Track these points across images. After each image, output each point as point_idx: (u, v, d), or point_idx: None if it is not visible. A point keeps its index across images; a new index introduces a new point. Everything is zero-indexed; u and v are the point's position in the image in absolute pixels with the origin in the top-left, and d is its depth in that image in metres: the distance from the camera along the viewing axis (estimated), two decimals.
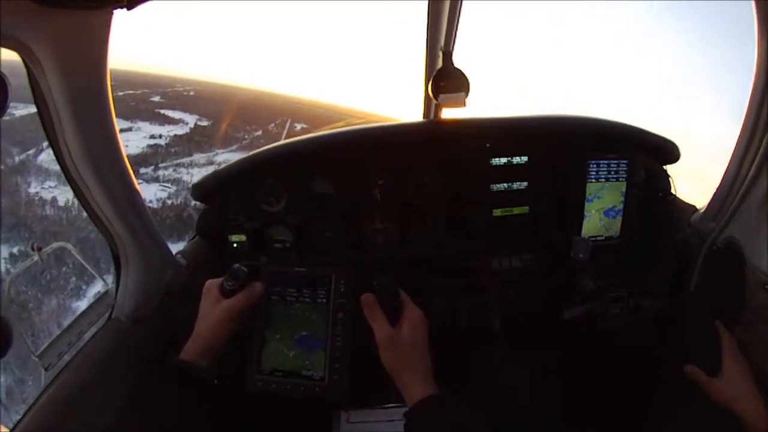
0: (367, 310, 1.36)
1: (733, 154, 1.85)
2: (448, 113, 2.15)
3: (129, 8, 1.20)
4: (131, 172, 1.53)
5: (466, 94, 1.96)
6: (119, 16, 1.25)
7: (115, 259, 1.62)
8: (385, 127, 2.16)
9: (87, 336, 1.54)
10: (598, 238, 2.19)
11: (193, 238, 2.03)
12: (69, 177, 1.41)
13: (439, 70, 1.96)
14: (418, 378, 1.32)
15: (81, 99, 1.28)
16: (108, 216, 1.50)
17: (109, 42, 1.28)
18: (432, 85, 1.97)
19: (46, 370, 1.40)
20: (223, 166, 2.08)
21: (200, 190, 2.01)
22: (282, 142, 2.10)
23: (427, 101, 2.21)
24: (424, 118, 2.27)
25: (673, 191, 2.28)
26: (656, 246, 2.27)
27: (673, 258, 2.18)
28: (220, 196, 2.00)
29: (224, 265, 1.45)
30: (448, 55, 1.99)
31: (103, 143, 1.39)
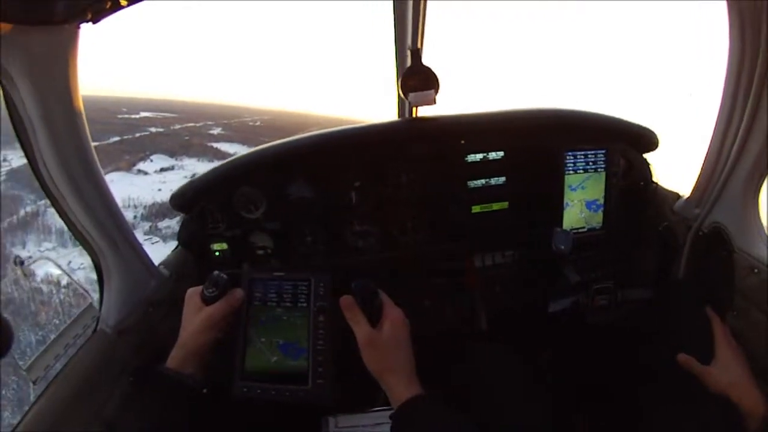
0: (346, 312, 1.35)
1: (712, 139, 1.83)
2: (423, 111, 2.10)
3: (95, 22, 1.22)
4: (107, 183, 1.51)
5: (436, 92, 1.91)
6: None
7: (97, 272, 1.60)
8: (360, 128, 2.09)
9: (73, 349, 1.50)
10: (580, 230, 2.11)
11: (175, 248, 1.98)
12: (48, 193, 1.40)
13: (408, 69, 1.91)
14: (402, 378, 1.30)
15: (53, 113, 1.28)
16: (87, 229, 1.48)
17: (78, 56, 1.29)
18: (401, 84, 1.93)
19: (34, 383, 1.38)
20: (200, 174, 2.03)
21: (179, 199, 1.95)
22: (258, 147, 2.04)
23: (401, 101, 2.16)
24: (399, 117, 2.21)
25: (654, 180, 2.21)
26: (640, 235, 2.20)
27: (658, 247, 2.12)
28: (199, 205, 1.95)
29: (207, 274, 1.42)
30: (416, 53, 1.94)
31: (77, 156, 1.38)
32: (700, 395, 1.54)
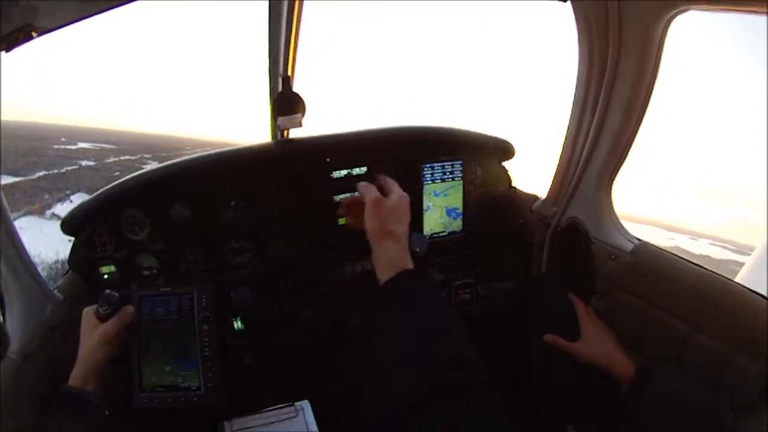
0: (360, 186, 1.61)
1: (564, 142, 2.11)
2: (295, 133, 2.27)
3: (7, 51, 1.31)
4: (6, 205, 1.56)
5: (303, 115, 2.09)
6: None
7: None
8: (235, 150, 2.24)
9: None
10: (440, 234, 2.36)
11: (66, 272, 2.06)
12: None
13: (278, 94, 2.10)
14: (399, 245, 1.47)
15: None
16: None
17: None
18: (272, 108, 2.13)
19: None
20: (88, 197, 2.13)
21: (69, 223, 2.05)
22: (141, 171, 2.16)
23: (274, 124, 2.33)
24: (272, 139, 2.39)
25: (513, 185, 2.48)
26: (500, 236, 2.44)
27: (517, 245, 2.37)
28: (88, 228, 2.05)
29: (99, 296, 1.55)
30: (286, 80, 2.13)
31: None
32: (573, 368, 1.79)
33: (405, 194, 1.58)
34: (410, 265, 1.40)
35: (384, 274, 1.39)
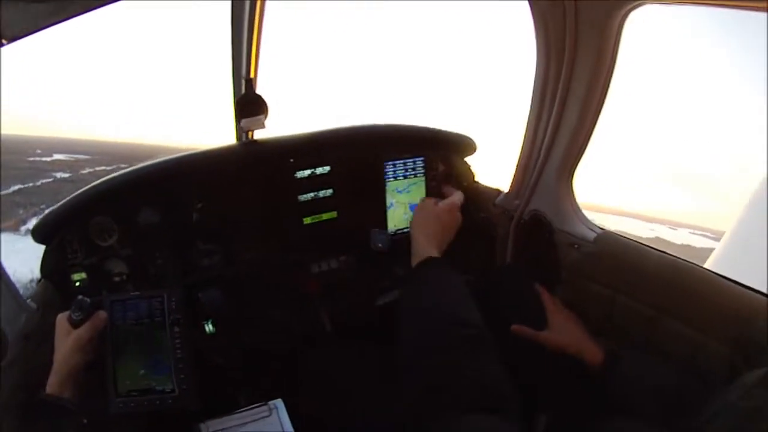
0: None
1: (525, 137, 2.16)
2: (260, 134, 2.29)
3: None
4: None
5: (265, 117, 2.13)
6: None
7: None
8: (199, 153, 2.29)
9: None
10: (405, 230, 2.37)
11: (39, 281, 2.06)
12: None
13: (241, 96, 2.13)
14: (432, 244, 1.68)
15: None
16: None
17: None
18: (235, 110, 2.18)
19: None
20: (58, 204, 2.10)
21: (40, 231, 2.04)
22: (107, 177, 2.15)
23: (238, 125, 2.36)
24: (237, 141, 2.43)
25: (476, 180, 2.53)
26: (463, 229, 2.45)
27: (479, 237, 2.42)
28: (59, 235, 2.04)
29: (71, 304, 1.56)
30: (249, 82, 2.17)
31: None
32: (541, 357, 1.79)
33: (453, 205, 1.81)
34: (434, 254, 1.61)
35: (415, 259, 1.64)
